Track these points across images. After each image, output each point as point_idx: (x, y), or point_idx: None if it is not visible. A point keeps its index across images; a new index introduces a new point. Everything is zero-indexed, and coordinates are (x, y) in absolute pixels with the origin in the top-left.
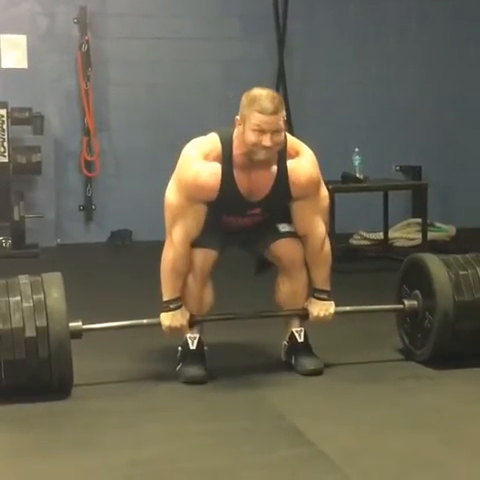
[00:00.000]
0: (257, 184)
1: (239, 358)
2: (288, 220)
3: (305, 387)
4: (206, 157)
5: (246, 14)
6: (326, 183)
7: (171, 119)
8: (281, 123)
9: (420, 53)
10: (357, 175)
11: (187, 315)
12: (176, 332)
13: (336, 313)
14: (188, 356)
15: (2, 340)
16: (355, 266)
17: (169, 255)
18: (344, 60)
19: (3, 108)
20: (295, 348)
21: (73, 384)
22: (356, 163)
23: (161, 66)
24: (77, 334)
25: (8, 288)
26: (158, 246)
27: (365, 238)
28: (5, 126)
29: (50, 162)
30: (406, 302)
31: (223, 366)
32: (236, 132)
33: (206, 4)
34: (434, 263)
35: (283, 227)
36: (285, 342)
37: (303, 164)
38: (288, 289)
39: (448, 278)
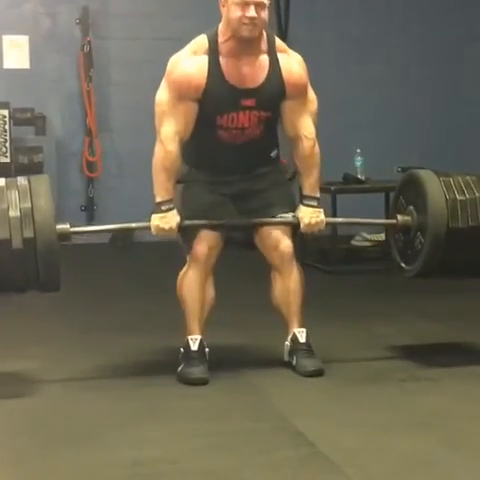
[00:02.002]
0: (248, 71)
1: (240, 359)
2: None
3: (306, 388)
4: (194, 53)
5: None
6: (327, 184)
7: None
8: None
9: (422, 54)
10: (359, 176)
11: (177, 218)
12: (165, 234)
13: (328, 224)
14: (189, 357)
15: None
16: (356, 267)
17: (158, 154)
18: (346, 61)
19: (5, 108)
20: (296, 349)
21: (60, 286)
22: (358, 164)
23: (163, 67)
24: (65, 237)
25: None
26: (160, 247)
27: (366, 239)
28: (7, 126)
29: (52, 162)
30: (399, 217)
31: (224, 367)
32: (221, 22)
33: (208, 5)
34: (432, 183)
35: (284, 213)
36: (287, 343)
37: (293, 63)
38: (281, 287)
39: (445, 202)
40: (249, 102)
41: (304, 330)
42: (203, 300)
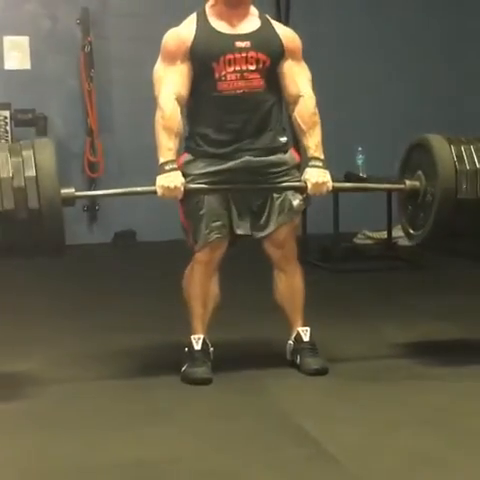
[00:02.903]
0: (238, 23)
1: (244, 358)
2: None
3: (310, 387)
4: (184, 25)
5: None
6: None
7: None
8: None
9: (424, 51)
10: (360, 174)
11: (182, 179)
12: (170, 194)
13: (334, 189)
14: (193, 357)
15: None
16: (359, 265)
17: (157, 115)
18: (347, 59)
19: (6, 109)
20: (300, 347)
21: (65, 250)
22: (359, 162)
23: None
24: (69, 201)
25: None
26: (162, 246)
27: (369, 237)
28: (8, 127)
29: None
30: (407, 182)
31: (228, 366)
32: None
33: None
34: (442, 149)
35: (295, 199)
36: (290, 341)
37: (287, 30)
38: (285, 285)
39: (450, 152)
40: (244, 44)
41: (308, 329)
42: (207, 300)
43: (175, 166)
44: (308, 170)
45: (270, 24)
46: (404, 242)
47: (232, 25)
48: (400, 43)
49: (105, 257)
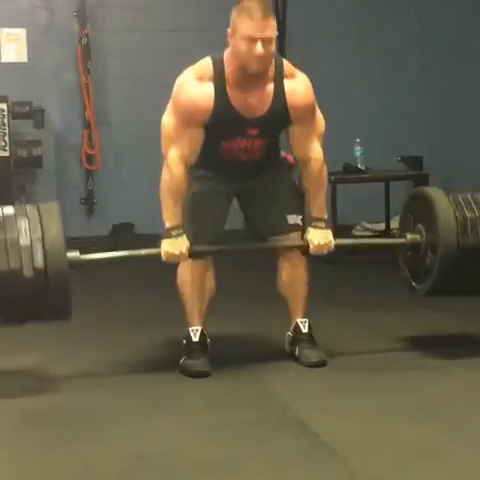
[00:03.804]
0: (254, 101)
1: (242, 350)
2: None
3: (309, 378)
4: (200, 79)
5: None
6: (327, 174)
7: None
8: (271, 31)
9: (422, 43)
10: (358, 166)
11: (187, 243)
12: (175, 259)
13: (336, 246)
14: (191, 349)
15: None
16: (357, 257)
17: (166, 178)
18: (345, 51)
19: (3, 102)
20: (299, 339)
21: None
22: (357, 154)
23: (161, 59)
24: (75, 264)
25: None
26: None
27: (367, 229)
28: (6, 120)
29: (51, 156)
30: (409, 236)
31: (226, 358)
32: (228, 49)
33: None
34: (441, 200)
35: (291, 219)
36: (289, 333)
37: (299, 87)
38: (289, 274)
39: (454, 219)
40: (253, 131)
41: (306, 320)
42: (203, 291)
43: (181, 231)
44: (311, 231)
45: (282, 90)
46: None
47: (247, 102)
48: (399, 33)
49: (103, 250)
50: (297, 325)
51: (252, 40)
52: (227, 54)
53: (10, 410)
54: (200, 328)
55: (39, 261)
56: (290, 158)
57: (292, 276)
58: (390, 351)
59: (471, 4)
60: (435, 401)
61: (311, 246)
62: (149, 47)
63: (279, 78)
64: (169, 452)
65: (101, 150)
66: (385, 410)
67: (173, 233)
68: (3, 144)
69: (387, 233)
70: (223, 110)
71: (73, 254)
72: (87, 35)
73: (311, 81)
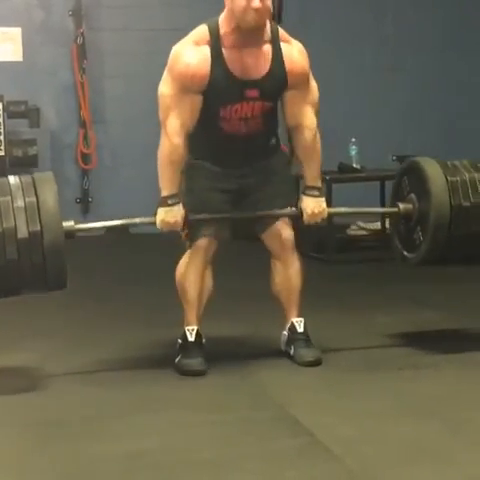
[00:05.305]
0: (252, 62)
1: (238, 349)
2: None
3: (304, 377)
4: (196, 44)
5: None
6: (322, 173)
7: None
8: None
9: (418, 41)
10: (354, 165)
11: (182, 212)
12: (170, 228)
13: (330, 214)
14: (187, 348)
15: None
16: (353, 256)
17: (165, 147)
18: (340, 49)
19: None
20: (294, 338)
21: (66, 284)
22: (353, 153)
23: (157, 58)
24: (70, 234)
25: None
26: (156, 238)
27: (362, 228)
28: (1, 119)
29: (46, 155)
30: (401, 205)
31: (222, 357)
32: (223, 13)
33: None
34: (432, 169)
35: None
36: (284, 332)
37: (296, 52)
38: (281, 274)
39: (445, 180)
40: (253, 93)
41: (302, 319)
42: (201, 291)
43: (177, 200)
44: (304, 198)
45: (280, 53)
46: None
47: (245, 64)
48: (394, 31)
49: (99, 249)
50: (293, 324)
51: None
52: (222, 17)
53: (6, 408)
54: (196, 328)
55: (34, 224)
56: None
57: (285, 274)
58: (385, 349)
59: (468, 2)
60: (431, 399)
61: (304, 215)
62: (145, 46)
63: (276, 41)
64: (164, 450)
65: (97, 149)
66: (381, 408)
67: (169, 201)
68: None
69: (382, 232)
70: (220, 74)
71: (68, 223)
72: (83, 34)
73: None
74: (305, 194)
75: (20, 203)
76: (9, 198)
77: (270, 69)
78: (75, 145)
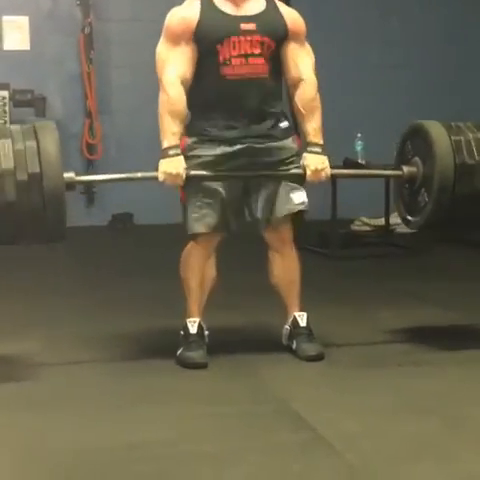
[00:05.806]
0: (246, 5)
1: (240, 342)
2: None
3: (306, 372)
4: (189, 3)
5: None
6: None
7: None
8: None
9: (423, 36)
10: (359, 160)
11: (184, 165)
12: (172, 180)
13: (333, 175)
14: (188, 340)
15: None
16: (356, 252)
17: (163, 98)
18: (346, 44)
19: (5, 90)
20: (296, 333)
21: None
22: (358, 148)
23: None
24: (71, 186)
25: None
26: (159, 229)
27: (366, 224)
28: (7, 108)
29: None
30: (405, 168)
31: (224, 350)
32: None
33: None
34: (438, 132)
35: (297, 197)
36: (287, 326)
37: (294, 13)
38: (280, 265)
39: (449, 141)
40: (249, 26)
41: (304, 314)
42: (203, 282)
43: (179, 151)
44: (306, 156)
45: (275, 5)
46: (402, 229)
47: (237, 5)
48: (400, 27)
49: (102, 240)
50: (295, 319)
51: None
52: None
53: (5, 397)
54: (198, 320)
55: (34, 167)
56: (298, 144)
57: (283, 269)
58: (388, 345)
59: (475, 1)
60: (432, 395)
61: (308, 172)
62: (151, 36)
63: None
64: (165, 442)
65: (102, 140)
66: (383, 404)
67: (171, 152)
68: None
69: (386, 228)
70: (210, 14)
71: (69, 174)
72: (90, 24)
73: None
74: (307, 151)
75: (20, 146)
76: (10, 140)
77: (265, 10)
78: (81, 135)
